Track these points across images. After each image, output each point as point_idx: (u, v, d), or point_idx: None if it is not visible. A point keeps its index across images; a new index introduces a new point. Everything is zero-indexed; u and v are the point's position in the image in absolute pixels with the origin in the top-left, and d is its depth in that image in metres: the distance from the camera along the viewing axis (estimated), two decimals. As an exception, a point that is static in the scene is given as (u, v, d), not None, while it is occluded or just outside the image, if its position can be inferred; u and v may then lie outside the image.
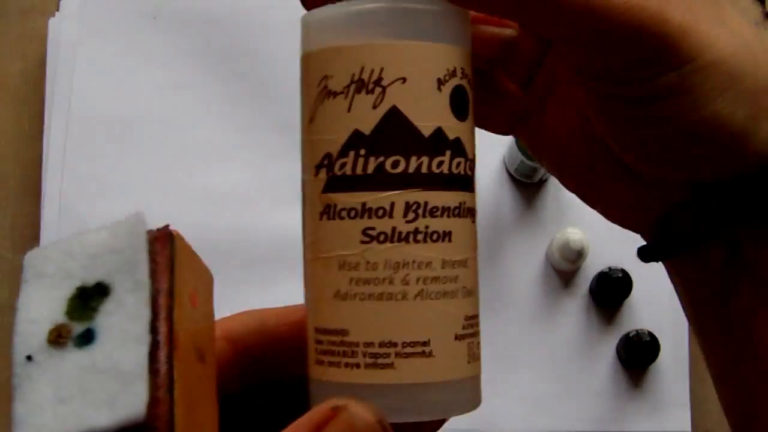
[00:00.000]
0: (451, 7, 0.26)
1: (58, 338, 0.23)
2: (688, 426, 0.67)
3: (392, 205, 0.24)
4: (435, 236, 0.25)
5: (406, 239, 0.24)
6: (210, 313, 0.27)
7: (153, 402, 0.22)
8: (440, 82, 0.25)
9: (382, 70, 0.24)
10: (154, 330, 0.23)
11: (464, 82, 0.26)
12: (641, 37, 0.25)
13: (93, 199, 0.67)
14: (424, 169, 0.25)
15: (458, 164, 0.26)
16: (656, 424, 0.67)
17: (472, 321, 0.27)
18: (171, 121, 0.69)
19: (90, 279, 0.24)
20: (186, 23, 0.70)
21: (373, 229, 0.24)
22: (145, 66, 0.70)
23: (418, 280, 0.25)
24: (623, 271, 0.67)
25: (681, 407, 0.67)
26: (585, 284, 0.68)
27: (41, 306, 0.24)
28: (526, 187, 0.70)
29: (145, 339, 0.23)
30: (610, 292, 0.67)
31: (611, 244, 0.69)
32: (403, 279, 0.24)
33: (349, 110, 0.25)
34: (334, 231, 0.25)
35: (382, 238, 0.24)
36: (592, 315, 0.68)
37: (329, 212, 0.25)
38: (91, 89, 0.69)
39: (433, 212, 0.25)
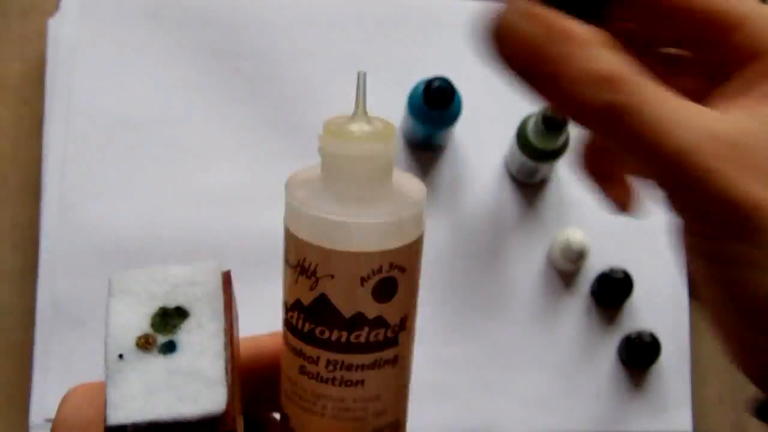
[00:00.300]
0: (385, 215, 0.30)
1: (146, 344, 0.29)
2: (689, 426, 0.67)
3: (318, 358, 0.31)
4: (348, 383, 0.31)
5: (326, 382, 0.31)
6: (238, 342, 0.33)
7: (227, 402, 0.27)
8: (363, 280, 0.30)
9: (316, 265, 0.30)
10: (226, 351, 0.29)
11: (394, 273, 0.31)
12: (713, 201, 0.25)
13: (92, 199, 0.67)
14: (343, 340, 0.31)
15: (377, 334, 0.31)
16: (657, 424, 0.67)
17: (384, 429, 0.33)
18: (171, 120, 0.69)
19: (171, 303, 0.30)
20: (186, 23, 0.70)
21: (305, 367, 0.31)
22: (145, 66, 0.70)
23: (332, 408, 0.31)
24: (624, 271, 0.66)
25: (682, 408, 0.67)
26: (586, 285, 0.68)
27: (130, 317, 0.29)
28: (527, 187, 0.69)
29: (223, 355, 0.29)
30: (612, 292, 0.67)
31: (612, 245, 0.69)
32: (322, 405, 0.31)
33: (296, 283, 0.31)
34: (286, 355, 0.32)
35: (310, 375, 0.31)
36: (593, 315, 0.68)
37: (285, 340, 0.32)
38: (90, 89, 0.69)
39: (348, 368, 0.31)
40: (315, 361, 0.31)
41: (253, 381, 0.33)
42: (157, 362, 0.28)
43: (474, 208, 0.69)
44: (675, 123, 0.25)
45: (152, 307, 0.29)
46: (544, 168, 0.66)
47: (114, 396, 0.27)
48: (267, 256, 0.66)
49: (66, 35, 0.69)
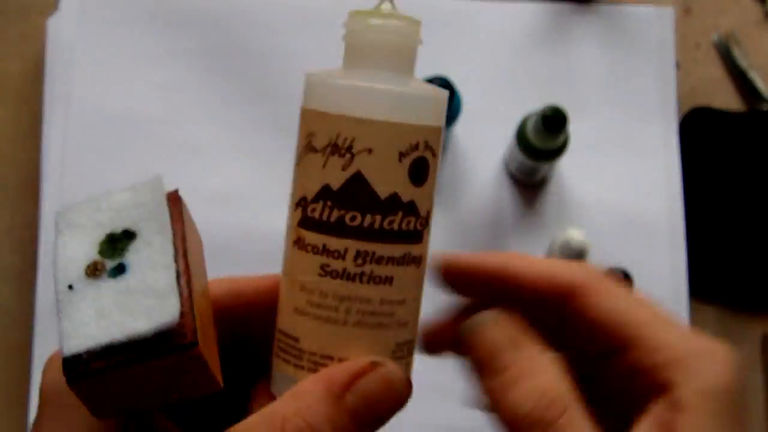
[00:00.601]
0: (420, 90, 0.30)
1: (94, 271, 0.28)
2: (689, 426, 0.67)
3: (346, 250, 0.29)
4: (377, 279, 0.30)
5: (353, 279, 0.29)
6: (204, 266, 0.32)
7: (182, 314, 0.27)
8: (402, 155, 0.29)
9: (353, 139, 0.29)
10: (176, 262, 0.28)
11: (427, 154, 0.30)
12: None
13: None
14: (376, 225, 0.29)
15: (408, 222, 0.30)
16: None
17: (404, 346, 0.31)
18: (170, 120, 0.69)
19: (117, 228, 0.29)
20: (185, 23, 0.70)
21: (328, 265, 0.30)
22: (145, 65, 0.70)
23: (358, 312, 0.30)
24: (624, 271, 0.66)
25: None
26: (586, 284, 0.68)
27: (77, 248, 0.29)
28: (526, 186, 0.69)
29: (172, 267, 0.28)
30: (611, 292, 0.67)
31: (612, 245, 0.69)
32: (346, 309, 0.30)
33: (324, 167, 0.29)
34: (300, 259, 0.30)
35: (334, 274, 0.30)
36: (593, 315, 0.68)
37: (299, 243, 0.30)
38: (89, 88, 0.69)
39: (378, 260, 0.30)
40: (342, 255, 0.29)
41: (234, 321, 0.33)
42: (107, 287, 0.28)
43: (474, 207, 0.69)
44: None
45: (99, 235, 0.29)
46: (543, 167, 0.66)
47: (67, 327, 0.27)
48: (267, 255, 0.66)
49: (65, 35, 0.69)
